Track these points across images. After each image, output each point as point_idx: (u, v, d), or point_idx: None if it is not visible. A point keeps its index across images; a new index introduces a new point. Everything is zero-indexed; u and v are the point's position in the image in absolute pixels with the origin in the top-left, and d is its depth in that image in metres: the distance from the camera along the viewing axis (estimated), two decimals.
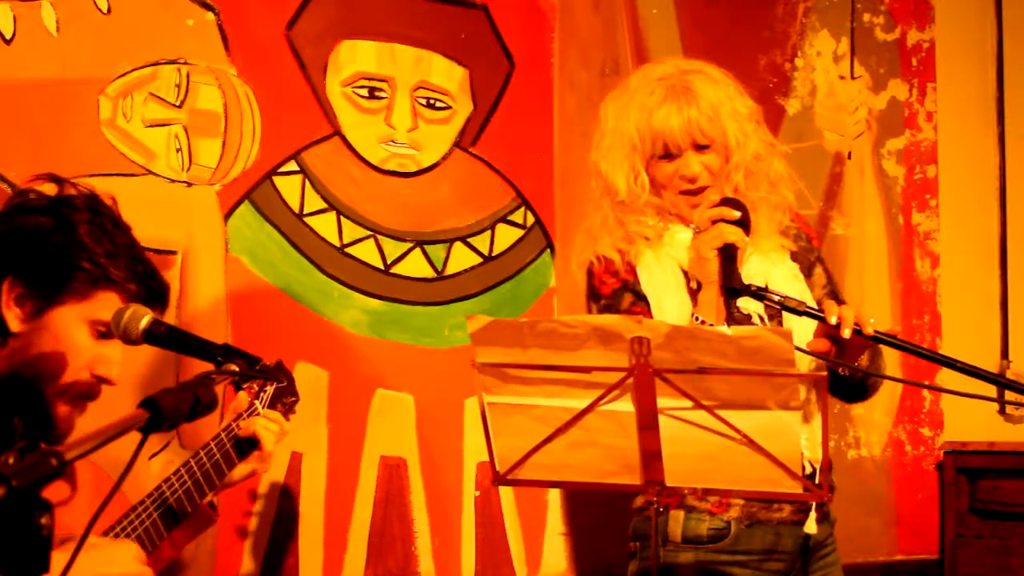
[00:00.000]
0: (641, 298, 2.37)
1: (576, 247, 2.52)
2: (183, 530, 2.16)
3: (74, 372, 1.98)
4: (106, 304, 1.97)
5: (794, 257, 2.44)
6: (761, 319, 2.33)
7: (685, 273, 2.37)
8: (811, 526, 2.36)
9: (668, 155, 2.35)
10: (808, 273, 2.45)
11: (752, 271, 2.33)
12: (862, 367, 2.26)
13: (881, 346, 2.37)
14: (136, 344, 2.06)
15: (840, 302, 2.19)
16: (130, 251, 2.03)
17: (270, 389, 2.35)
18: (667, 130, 2.32)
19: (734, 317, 2.31)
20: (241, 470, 2.25)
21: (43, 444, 1.99)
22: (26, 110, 2.66)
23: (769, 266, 2.37)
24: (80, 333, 1.97)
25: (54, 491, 1.92)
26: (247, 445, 2.24)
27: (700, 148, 2.35)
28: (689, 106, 2.32)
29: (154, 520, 2.07)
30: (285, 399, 2.38)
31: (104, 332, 1.99)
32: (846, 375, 2.33)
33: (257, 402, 2.32)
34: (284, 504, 2.92)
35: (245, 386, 2.28)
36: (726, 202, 2.28)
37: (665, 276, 2.37)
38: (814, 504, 2.35)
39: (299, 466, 2.94)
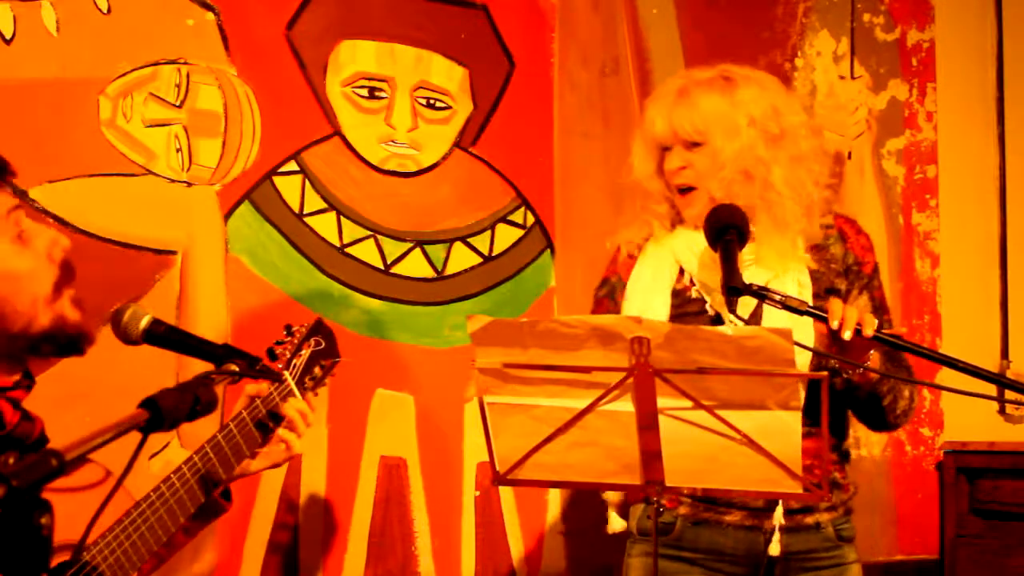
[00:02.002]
0: (611, 295, 2.49)
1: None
2: (198, 518, 2.11)
3: (42, 286, 1.93)
4: None
5: (814, 274, 2.39)
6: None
7: (682, 273, 2.40)
8: (774, 547, 2.33)
9: (667, 148, 2.42)
10: (844, 297, 2.40)
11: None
12: (872, 367, 2.23)
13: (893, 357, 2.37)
14: (136, 344, 2.06)
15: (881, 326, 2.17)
16: None
17: (305, 353, 2.22)
18: (658, 122, 2.41)
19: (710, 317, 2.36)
20: (260, 462, 2.13)
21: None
22: (26, 110, 2.66)
23: (771, 278, 2.34)
24: (7, 255, 1.91)
25: (87, 474, 1.89)
26: (271, 423, 2.12)
27: (689, 145, 2.39)
28: (679, 104, 2.39)
29: (171, 505, 2.02)
30: (323, 361, 2.25)
31: (16, 232, 1.93)
32: (853, 386, 2.31)
33: (298, 381, 2.16)
34: (284, 504, 2.92)
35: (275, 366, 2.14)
36: (723, 208, 2.28)
37: (653, 276, 2.42)
38: (777, 525, 2.33)
39: (299, 466, 2.94)
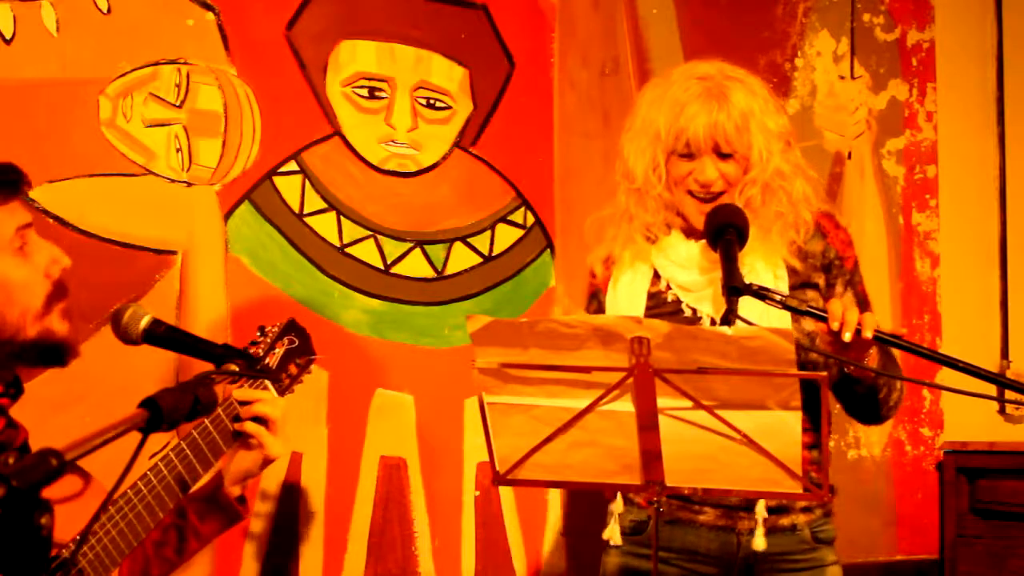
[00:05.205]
0: (600, 309, 2.47)
1: (587, 237, 2.56)
2: (210, 523, 2.12)
3: (34, 300, 1.95)
4: None
5: (794, 272, 2.38)
6: (713, 321, 2.32)
7: (658, 276, 2.40)
8: (759, 542, 2.31)
9: (688, 154, 2.34)
10: (823, 292, 2.40)
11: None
12: (871, 367, 2.22)
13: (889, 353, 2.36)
14: (136, 344, 2.06)
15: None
16: None
17: (279, 351, 2.23)
18: (692, 129, 2.31)
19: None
20: (250, 458, 2.12)
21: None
22: (26, 110, 2.66)
23: (753, 278, 2.33)
24: (6, 267, 1.94)
25: (67, 485, 1.90)
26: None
27: (722, 156, 2.33)
28: (720, 110, 2.30)
29: (149, 502, 2.02)
30: (298, 359, 2.26)
31: (19, 245, 1.96)
32: (852, 381, 2.31)
33: (272, 379, 2.18)
34: (284, 504, 2.92)
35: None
36: (724, 207, 2.28)
37: (630, 281, 2.41)
38: (760, 519, 2.31)
39: (299, 466, 2.94)
